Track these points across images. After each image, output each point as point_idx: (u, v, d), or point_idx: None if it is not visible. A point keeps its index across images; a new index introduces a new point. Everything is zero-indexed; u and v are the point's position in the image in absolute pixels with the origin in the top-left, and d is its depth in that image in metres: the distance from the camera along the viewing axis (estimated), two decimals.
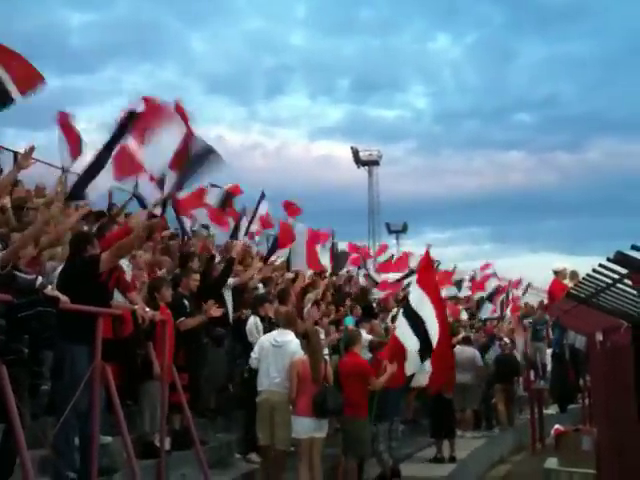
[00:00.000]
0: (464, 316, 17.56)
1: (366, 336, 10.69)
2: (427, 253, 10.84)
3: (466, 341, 13.78)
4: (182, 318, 7.78)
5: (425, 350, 9.14)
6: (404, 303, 10.48)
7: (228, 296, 9.20)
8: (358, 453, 8.67)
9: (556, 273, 13.53)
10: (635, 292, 5.01)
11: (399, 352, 9.04)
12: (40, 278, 5.69)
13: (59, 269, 6.71)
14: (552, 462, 9.73)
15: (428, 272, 10.27)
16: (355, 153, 50.35)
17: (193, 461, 7.13)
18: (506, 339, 16.59)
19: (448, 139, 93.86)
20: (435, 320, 9.21)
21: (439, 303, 9.71)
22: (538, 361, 16.43)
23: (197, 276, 8.52)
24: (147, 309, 7.04)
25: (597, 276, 5.03)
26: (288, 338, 8.12)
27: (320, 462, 7.81)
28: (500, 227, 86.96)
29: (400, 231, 48.41)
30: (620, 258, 4.20)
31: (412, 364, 9.12)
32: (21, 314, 4.84)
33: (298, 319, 9.11)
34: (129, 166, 6.96)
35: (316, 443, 7.77)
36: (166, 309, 7.41)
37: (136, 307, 6.62)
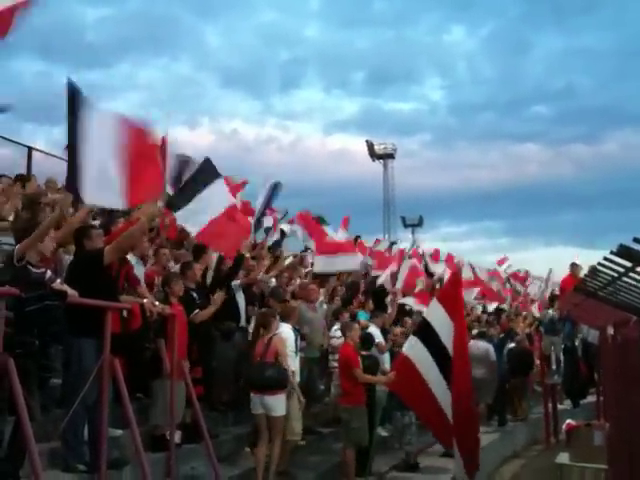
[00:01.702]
0: (478, 311, 17.48)
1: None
2: (455, 270, 9.93)
3: (481, 335, 13.73)
4: (197, 310, 7.89)
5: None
6: (418, 324, 9.62)
7: (240, 297, 9.27)
8: (355, 441, 8.73)
9: (573, 267, 13.42)
10: None
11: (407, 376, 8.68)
12: (49, 272, 5.73)
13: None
14: (564, 457, 9.66)
15: (455, 290, 8.99)
16: (370, 146, 50.38)
17: (203, 454, 7.18)
18: (521, 333, 16.54)
19: (463, 132, 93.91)
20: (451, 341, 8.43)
21: (460, 324, 8.69)
22: (553, 355, 16.37)
23: (199, 266, 8.59)
24: (157, 303, 7.12)
25: (603, 269, 5.01)
26: (278, 330, 8.26)
27: (280, 443, 7.88)
28: (516, 220, 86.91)
29: (416, 225, 48.31)
30: (624, 251, 4.18)
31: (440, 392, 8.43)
32: (29, 308, 4.90)
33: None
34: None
35: (271, 422, 7.81)
36: (177, 305, 7.46)
37: (144, 301, 6.67)
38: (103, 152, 5.78)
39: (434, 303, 8.93)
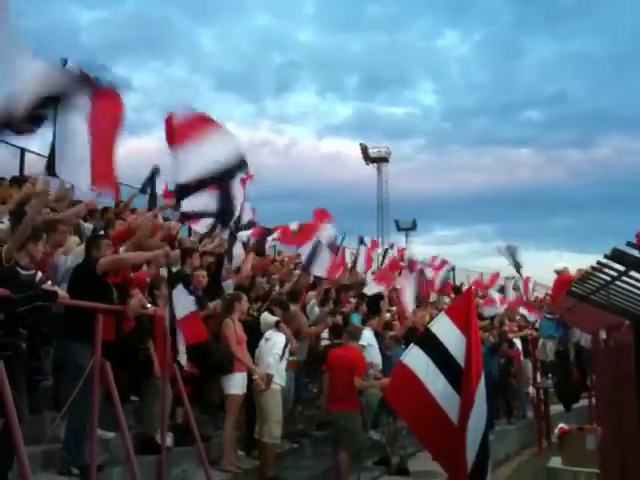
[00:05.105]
0: None
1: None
2: (469, 292, 8.43)
3: None
4: None
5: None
6: (421, 334, 9.09)
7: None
8: (350, 446, 8.70)
9: (558, 273, 13.43)
10: (635, 289, 4.97)
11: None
12: (39, 274, 5.71)
13: (68, 262, 6.95)
14: (556, 461, 9.63)
15: (468, 307, 7.74)
16: (364, 150, 50.28)
17: (195, 457, 7.14)
18: (511, 336, 16.53)
19: (457, 136, 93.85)
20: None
21: (474, 341, 7.40)
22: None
23: (204, 272, 8.62)
24: (149, 305, 7.11)
25: (597, 273, 5.01)
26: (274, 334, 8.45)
27: (230, 424, 8.00)
28: (509, 224, 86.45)
29: (409, 228, 48.27)
30: (617, 255, 4.17)
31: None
32: (19, 309, 4.86)
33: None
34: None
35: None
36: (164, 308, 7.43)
37: (132, 301, 6.66)
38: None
39: (442, 316, 8.04)
